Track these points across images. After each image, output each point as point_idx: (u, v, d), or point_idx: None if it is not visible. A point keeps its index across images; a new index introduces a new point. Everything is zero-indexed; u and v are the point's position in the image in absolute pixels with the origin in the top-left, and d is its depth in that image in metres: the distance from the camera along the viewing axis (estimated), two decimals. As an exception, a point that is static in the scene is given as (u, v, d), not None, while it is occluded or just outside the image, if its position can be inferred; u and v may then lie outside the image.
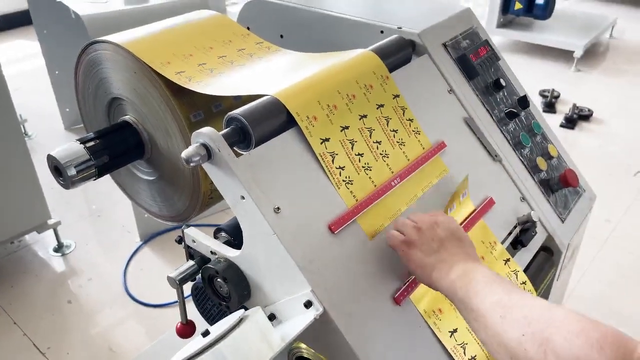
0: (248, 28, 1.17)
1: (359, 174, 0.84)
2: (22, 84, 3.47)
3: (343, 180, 0.82)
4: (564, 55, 3.99)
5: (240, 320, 0.71)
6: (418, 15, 1.14)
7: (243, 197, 0.73)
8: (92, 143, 0.89)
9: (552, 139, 1.21)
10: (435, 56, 1.06)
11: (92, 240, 2.32)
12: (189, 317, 0.92)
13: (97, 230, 2.39)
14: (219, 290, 0.82)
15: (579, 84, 3.73)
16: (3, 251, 2.21)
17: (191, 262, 0.85)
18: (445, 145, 0.97)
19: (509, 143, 1.10)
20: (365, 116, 0.88)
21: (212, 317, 0.91)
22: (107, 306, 1.99)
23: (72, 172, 0.85)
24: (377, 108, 0.90)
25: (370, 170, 0.85)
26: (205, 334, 0.69)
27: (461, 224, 0.93)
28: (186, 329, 0.92)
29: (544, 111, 3.32)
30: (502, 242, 0.98)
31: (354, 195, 0.82)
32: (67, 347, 1.82)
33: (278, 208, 0.74)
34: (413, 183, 0.90)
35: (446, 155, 0.97)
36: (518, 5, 3.93)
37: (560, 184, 1.13)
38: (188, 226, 0.88)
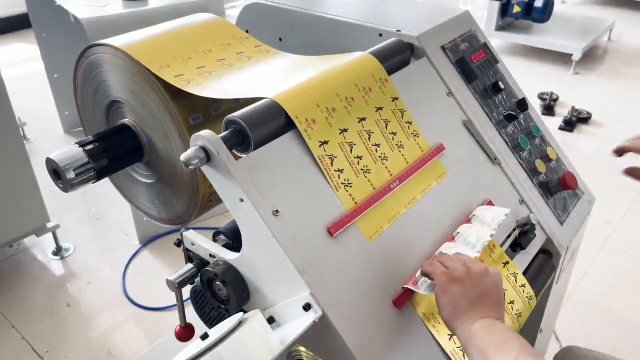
0: (247, 31, 1.17)
1: (357, 176, 0.84)
2: (21, 87, 3.47)
3: (342, 183, 0.82)
4: (562, 58, 3.99)
5: (239, 323, 0.71)
6: (417, 18, 1.14)
7: (242, 200, 0.73)
8: (90, 146, 0.89)
9: (550, 142, 1.21)
10: (434, 59, 1.06)
11: (91, 243, 2.31)
12: (188, 320, 0.92)
13: (96, 234, 2.39)
14: (217, 293, 0.82)
15: (577, 87, 3.74)
16: (1, 254, 2.21)
17: (190, 265, 0.85)
18: (444, 148, 0.97)
19: (508, 146, 1.10)
20: (364, 119, 0.88)
21: (211, 320, 0.91)
22: (106, 309, 1.98)
23: (70, 175, 0.85)
24: (376, 111, 0.90)
25: (369, 172, 0.85)
26: (204, 337, 0.69)
27: (460, 226, 0.93)
28: (185, 332, 0.91)
29: (543, 114, 3.33)
30: (501, 245, 0.98)
31: (352, 198, 0.82)
32: (65, 351, 1.82)
33: (277, 211, 0.74)
34: (412, 186, 0.90)
35: (445, 157, 0.97)
36: (516, 8, 3.94)
37: (559, 187, 1.13)
38: (187, 229, 0.88)
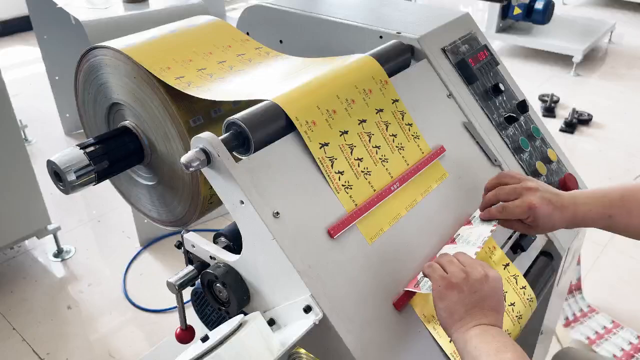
0: (247, 33, 1.17)
1: (358, 178, 0.84)
2: (22, 89, 3.48)
3: (342, 185, 0.82)
4: (563, 60, 3.99)
5: (240, 325, 0.71)
6: (417, 20, 1.14)
7: (242, 202, 0.73)
8: (91, 148, 0.89)
9: (551, 144, 1.21)
10: (435, 61, 1.06)
11: (92, 245, 2.32)
12: (188, 323, 0.92)
13: (97, 236, 2.39)
14: (218, 296, 0.82)
15: (578, 89, 3.74)
16: (3, 257, 2.21)
17: (190, 267, 0.85)
18: (444, 150, 0.97)
19: (509, 147, 1.10)
20: (364, 121, 0.88)
21: (211, 323, 0.91)
22: (107, 312, 1.98)
23: (71, 177, 0.85)
24: (377, 113, 0.90)
25: (370, 174, 0.85)
26: (205, 339, 0.69)
27: (461, 228, 0.93)
28: (185, 335, 0.91)
29: (544, 116, 3.33)
30: (502, 247, 0.98)
31: (353, 200, 0.82)
32: (66, 353, 1.82)
33: (277, 213, 0.74)
34: (412, 188, 0.90)
35: (445, 159, 0.97)
36: (517, 11, 3.94)
37: (560, 189, 1.13)
38: (187, 231, 0.88)
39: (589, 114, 3.28)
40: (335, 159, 0.82)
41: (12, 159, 1.91)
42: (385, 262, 0.82)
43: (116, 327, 1.92)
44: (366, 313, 0.77)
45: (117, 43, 0.90)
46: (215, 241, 0.90)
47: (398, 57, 1.02)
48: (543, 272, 1.07)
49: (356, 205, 0.82)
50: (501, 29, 4.16)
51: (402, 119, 0.94)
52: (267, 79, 0.91)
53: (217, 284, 0.80)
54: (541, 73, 3.95)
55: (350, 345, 0.73)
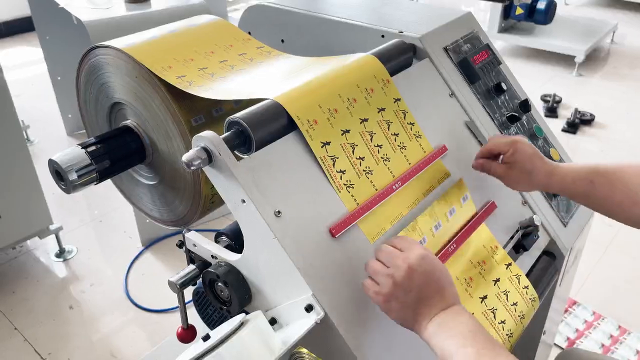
0: (249, 33, 1.17)
1: (359, 177, 0.84)
2: (24, 89, 3.49)
3: (344, 184, 0.82)
4: (565, 60, 3.99)
5: (241, 324, 0.71)
6: (419, 19, 1.14)
7: (244, 201, 0.73)
8: (93, 147, 0.89)
9: (553, 143, 1.21)
10: (436, 60, 1.06)
11: (93, 245, 2.32)
12: (190, 322, 0.91)
13: (99, 236, 2.39)
14: (219, 295, 0.81)
15: (580, 89, 3.73)
16: (5, 257, 2.21)
17: (192, 267, 0.85)
18: (446, 149, 0.97)
19: (511, 147, 1.10)
20: (366, 120, 0.88)
21: (213, 322, 0.91)
22: (109, 311, 1.98)
23: (73, 176, 0.85)
24: (378, 112, 0.90)
25: (371, 174, 0.85)
26: (206, 338, 0.68)
27: (462, 227, 0.92)
28: (187, 334, 0.91)
29: (546, 116, 3.32)
30: (504, 247, 0.98)
31: (354, 199, 0.82)
32: (68, 353, 1.82)
33: (279, 212, 0.74)
34: (414, 187, 0.90)
35: (447, 159, 0.97)
36: (519, 11, 3.93)
37: (562, 188, 1.13)
38: (189, 230, 0.88)
39: (591, 114, 3.28)
40: (337, 158, 0.82)
41: (14, 159, 1.91)
42: (387, 261, 0.81)
43: (118, 327, 1.92)
44: (367, 312, 0.77)
45: (119, 42, 0.90)
46: (216, 240, 0.90)
47: (400, 56, 1.01)
48: (546, 271, 1.07)
49: (358, 204, 0.82)
50: (503, 29, 4.15)
51: (404, 118, 0.93)
52: (269, 78, 0.90)
53: (219, 283, 0.80)
54: (543, 73, 3.94)
55: (351, 344, 0.73)
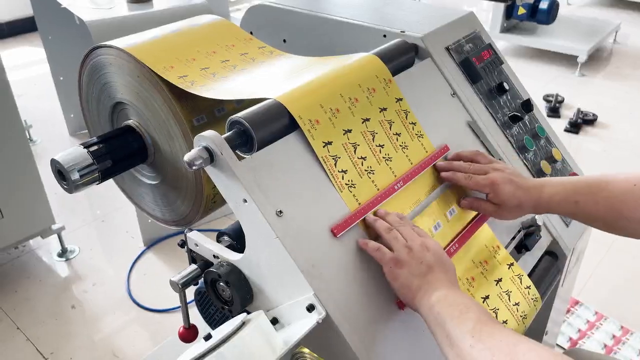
0: (251, 33, 1.17)
1: (361, 177, 0.84)
2: (27, 89, 3.49)
3: (346, 184, 0.82)
4: (567, 60, 3.98)
5: (243, 324, 0.71)
6: (421, 19, 1.14)
7: (245, 201, 0.73)
8: (95, 147, 0.89)
9: (556, 143, 1.21)
10: (439, 60, 1.06)
11: (96, 245, 2.32)
12: (192, 322, 0.91)
13: (101, 236, 2.39)
14: (221, 294, 0.81)
15: (583, 89, 3.73)
16: (7, 256, 2.22)
17: (194, 266, 0.85)
18: (448, 149, 0.97)
19: (513, 147, 1.10)
20: (368, 119, 0.88)
21: (215, 322, 0.91)
22: (111, 311, 1.98)
23: (75, 176, 0.85)
24: (380, 111, 0.90)
25: (373, 173, 0.85)
26: (208, 337, 0.68)
27: (464, 227, 0.92)
28: (189, 333, 0.91)
29: (548, 116, 3.32)
30: (506, 247, 0.98)
31: (356, 199, 0.82)
32: (70, 353, 1.82)
33: (280, 211, 0.74)
34: (416, 187, 0.90)
35: (449, 158, 0.97)
36: (521, 10, 3.93)
37: (564, 188, 1.13)
38: (191, 230, 0.88)
39: (593, 114, 3.27)
40: (339, 158, 0.82)
41: (17, 159, 1.92)
42: (388, 261, 0.81)
43: (120, 327, 1.92)
44: (369, 312, 0.77)
45: (121, 42, 0.90)
46: (218, 240, 0.90)
47: (402, 56, 1.01)
48: (548, 272, 1.07)
49: (359, 204, 0.82)
50: (505, 29, 4.15)
51: (406, 117, 0.93)
52: (271, 78, 0.90)
53: (220, 283, 0.80)
54: (546, 73, 3.93)
55: (353, 344, 0.73)
